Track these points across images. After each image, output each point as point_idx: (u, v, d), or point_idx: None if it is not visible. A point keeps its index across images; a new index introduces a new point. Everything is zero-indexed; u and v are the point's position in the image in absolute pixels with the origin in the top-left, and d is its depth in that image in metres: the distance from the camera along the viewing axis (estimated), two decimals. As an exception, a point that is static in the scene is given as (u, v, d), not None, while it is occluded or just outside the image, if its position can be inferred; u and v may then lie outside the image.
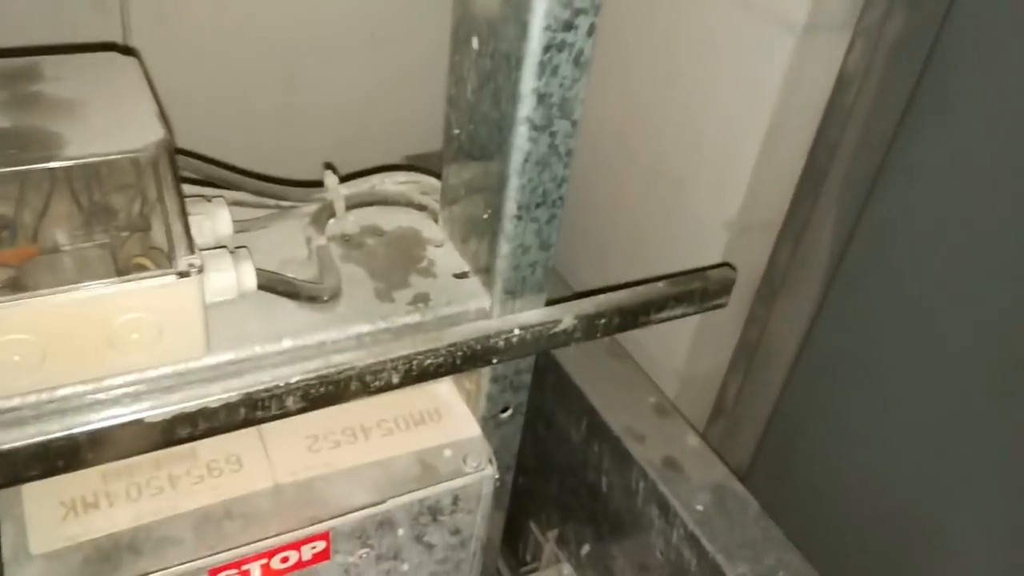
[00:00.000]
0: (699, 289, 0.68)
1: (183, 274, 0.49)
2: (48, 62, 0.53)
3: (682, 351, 0.99)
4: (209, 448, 0.63)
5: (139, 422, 0.51)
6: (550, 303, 0.64)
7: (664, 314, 0.67)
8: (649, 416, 0.90)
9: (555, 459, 1.02)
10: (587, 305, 0.63)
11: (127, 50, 0.67)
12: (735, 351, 1.00)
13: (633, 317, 0.66)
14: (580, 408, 0.94)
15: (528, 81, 0.51)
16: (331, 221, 0.67)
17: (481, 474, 0.65)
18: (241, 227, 0.63)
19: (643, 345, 1.00)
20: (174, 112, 0.90)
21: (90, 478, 0.60)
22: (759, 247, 0.91)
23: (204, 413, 0.53)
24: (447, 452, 0.66)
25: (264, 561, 0.60)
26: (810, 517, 1.01)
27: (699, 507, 0.79)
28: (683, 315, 0.68)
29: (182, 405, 0.52)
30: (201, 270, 0.50)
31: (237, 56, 0.95)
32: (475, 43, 0.56)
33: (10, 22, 0.81)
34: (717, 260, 0.89)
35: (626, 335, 0.77)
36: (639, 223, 1.01)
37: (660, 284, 0.67)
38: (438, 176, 0.69)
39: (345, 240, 0.66)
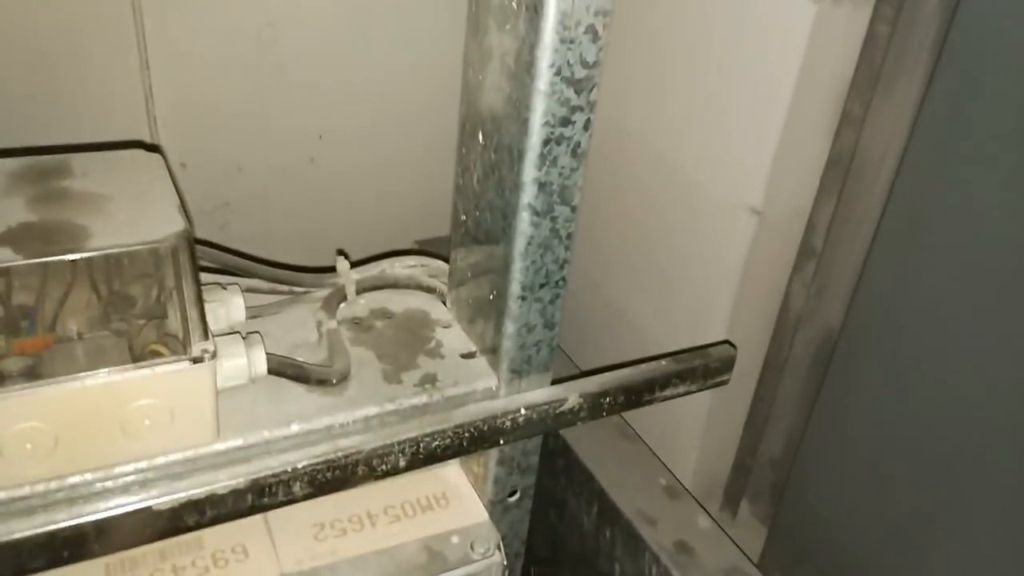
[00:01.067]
0: (701, 367, 0.69)
1: (196, 360, 0.50)
2: (77, 159, 0.56)
3: (760, 182, 0.79)
4: (215, 537, 0.63)
5: (147, 510, 0.51)
6: (555, 382, 0.64)
7: (668, 392, 0.68)
8: (660, 498, 0.89)
9: (567, 547, 1.00)
10: (592, 384, 0.64)
11: (152, 147, 0.71)
12: (826, 169, 0.79)
13: (638, 395, 0.66)
14: (591, 491, 0.93)
15: (529, 171, 0.54)
16: (342, 305, 0.68)
17: (489, 561, 0.64)
18: (254, 313, 0.64)
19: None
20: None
21: (93, 572, 0.59)
22: (854, 25, 0.74)
23: (212, 500, 0.53)
24: (454, 538, 0.65)
25: (268, 656, 0.58)
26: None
27: (712, 592, 0.78)
28: (686, 392, 0.69)
29: (190, 492, 0.52)
30: (214, 355, 0.51)
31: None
32: (480, 137, 0.59)
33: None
34: (804, 44, 0.72)
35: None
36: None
37: (663, 362, 0.67)
38: (446, 259, 0.71)
39: (355, 323, 0.67)
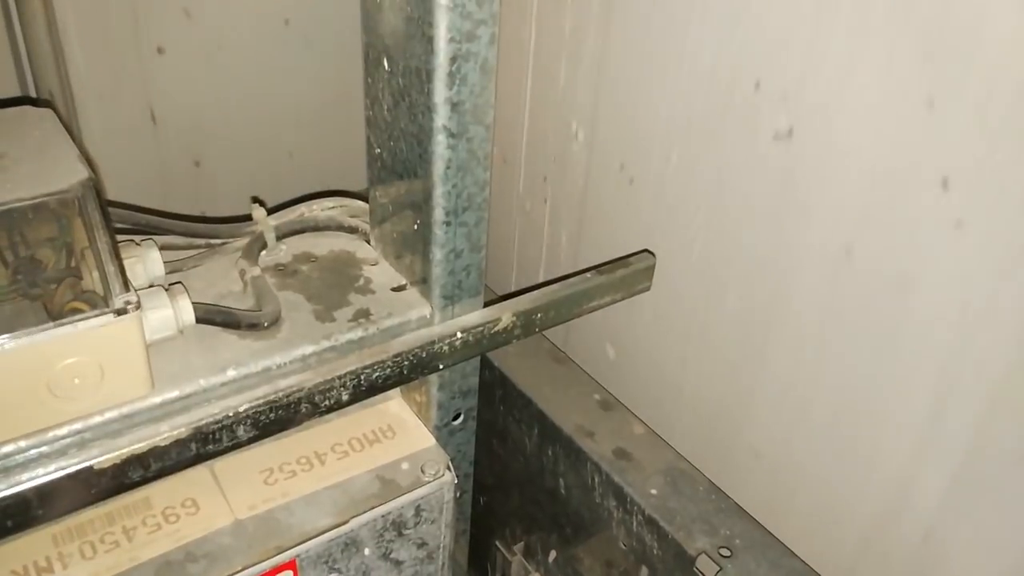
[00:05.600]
0: (625, 276, 0.71)
1: (120, 312, 0.49)
2: (-41, 120, 0.53)
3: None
4: (162, 495, 0.62)
5: (88, 470, 0.51)
6: (487, 304, 0.66)
7: (595, 303, 0.70)
8: (596, 412, 0.92)
9: (512, 472, 1.04)
10: (524, 302, 0.66)
11: (41, 103, 0.67)
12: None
13: (568, 309, 0.68)
14: (530, 416, 0.96)
15: (440, 92, 0.54)
16: (263, 253, 0.67)
17: (440, 481, 0.66)
18: (173, 268, 0.63)
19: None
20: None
21: (40, 543, 0.58)
22: None
23: (155, 452, 0.53)
24: (404, 465, 0.67)
25: (232, 599, 0.59)
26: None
27: (653, 491, 0.82)
28: (611, 302, 0.72)
29: (132, 447, 0.52)
30: (139, 306, 0.50)
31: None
32: (385, 64, 0.58)
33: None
34: None
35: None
36: None
37: (589, 275, 0.70)
38: (364, 199, 0.71)
39: (279, 270, 0.67)
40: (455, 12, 0.51)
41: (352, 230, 0.71)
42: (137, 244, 0.61)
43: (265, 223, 0.68)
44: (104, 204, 0.48)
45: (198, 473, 0.64)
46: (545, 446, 0.95)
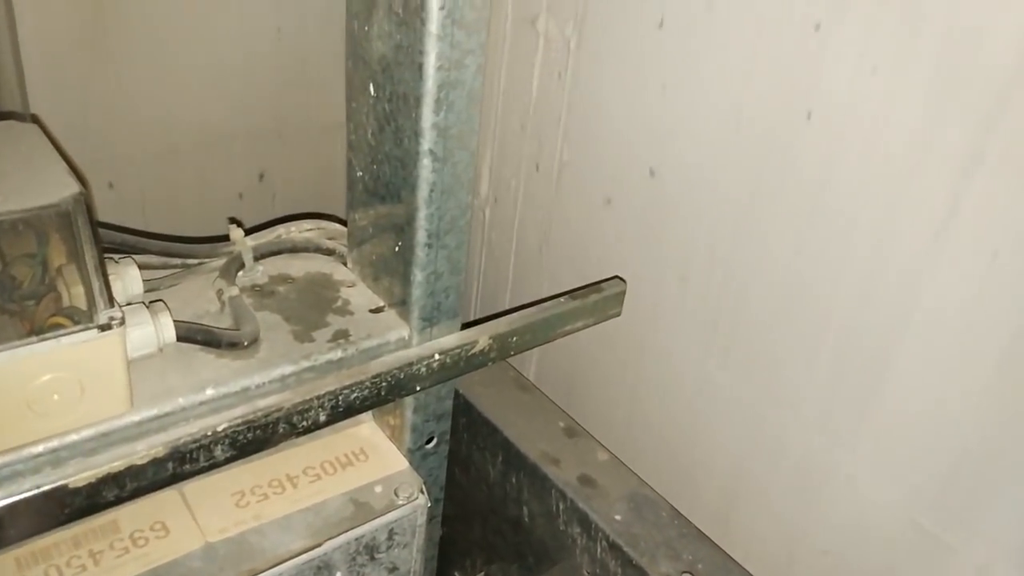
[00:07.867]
0: (597, 301, 0.74)
1: (105, 327, 0.49)
2: (-61, 135, 0.52)
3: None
4: (130, 518, 0.61)
5: (63, 488, 0.49)
6: (464, 327, 0.67)
7: (568, 327, 0.72)
8: (561, 439, 0.94)
9: (475, 502, 1.04)
10: (500, 325, 0.67)
11: (26, 118, 0.65)
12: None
13: (543, 332, 0.70)
14: (495, 443, 0.96)
15: (428, 117, 0.56)
16: (240, 273, 0.67)
17: (414, 504, 0.66)
18: (149, 287, 0.62)
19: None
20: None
21: (3, 566, 0.56)
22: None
23: (131, 471, 0.52)
24: (378, 488, 0.66)
25: (202, 626, 0.58)
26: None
27: (617, 517, 0.83)
28: (584, 327, 0.74)
29: (108, 466, 0.51)
30: (123, 322, 0.49)
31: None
32: (372, 89, 0.60)
33: None
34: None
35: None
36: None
37: (563, 300, 0.72)
38: (341, 222, 0.72)
39: (256, 290, 0.67)
40: (444, 42, 0.53)
41: (329, 252, 0.72)
42: (116, 261, 0.60)
43: (243, 243, 0.68)
44: (93, 217, 0.48)
45: (168, 496, 0.63)
46: (509, 474, 0.95)
